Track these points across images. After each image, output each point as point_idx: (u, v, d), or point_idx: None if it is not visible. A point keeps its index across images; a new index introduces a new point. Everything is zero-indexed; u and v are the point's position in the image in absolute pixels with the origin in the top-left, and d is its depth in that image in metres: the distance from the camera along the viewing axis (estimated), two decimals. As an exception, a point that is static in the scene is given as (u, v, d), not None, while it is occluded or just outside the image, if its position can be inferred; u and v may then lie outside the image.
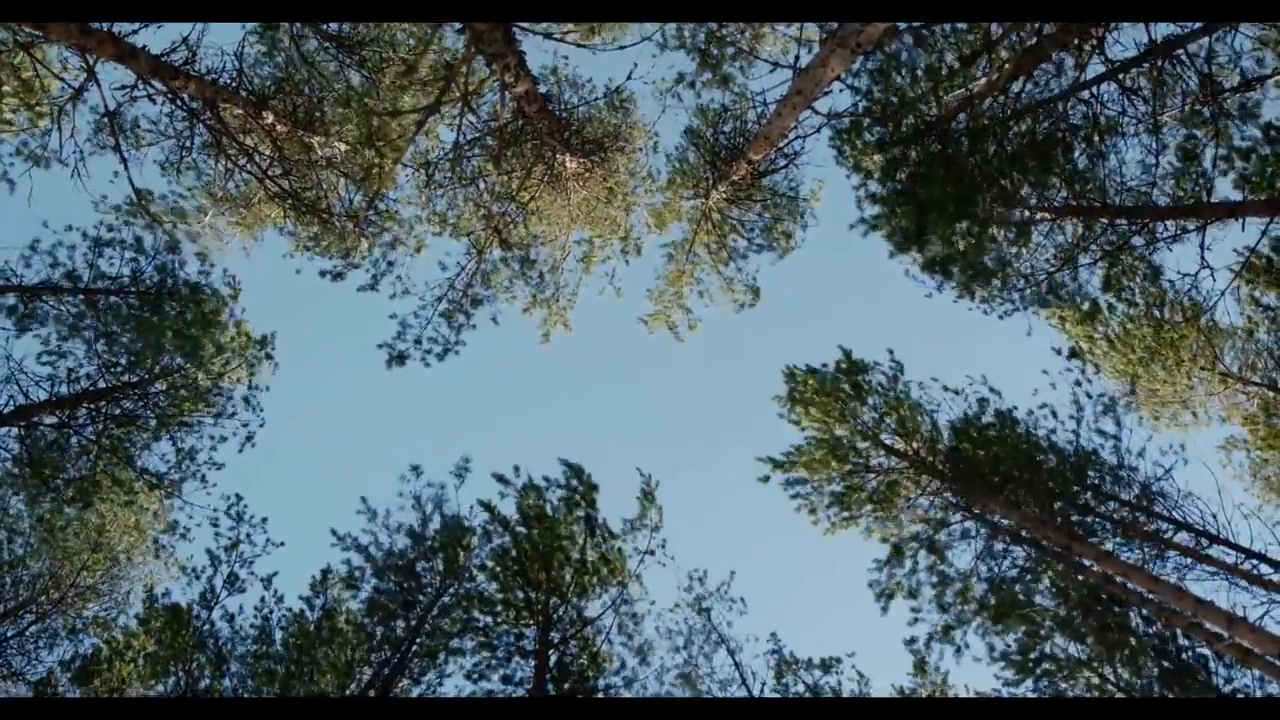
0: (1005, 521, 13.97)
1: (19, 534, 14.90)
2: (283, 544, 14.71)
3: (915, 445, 14.91)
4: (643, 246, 12.04)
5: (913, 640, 14.58)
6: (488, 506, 15.52)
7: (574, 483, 15.72)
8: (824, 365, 15.83)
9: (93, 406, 13.36)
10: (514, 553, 15.20)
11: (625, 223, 11.54)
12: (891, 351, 15.49)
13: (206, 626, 13.44)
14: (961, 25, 11.00)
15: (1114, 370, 13.54)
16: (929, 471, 14.57)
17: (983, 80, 11.56)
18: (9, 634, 14.16)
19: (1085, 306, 13.03)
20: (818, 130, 9.63)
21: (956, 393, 14.89)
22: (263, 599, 14.07)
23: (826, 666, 15.27)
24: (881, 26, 8.92)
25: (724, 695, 15.22)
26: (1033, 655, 13.77)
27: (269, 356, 15.90)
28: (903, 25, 10.78)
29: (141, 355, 13.62)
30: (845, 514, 15.46)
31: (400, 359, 12.33)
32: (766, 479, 16.24)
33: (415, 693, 14.42)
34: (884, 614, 14.98)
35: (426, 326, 12.18)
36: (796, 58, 8.96)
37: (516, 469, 15.44)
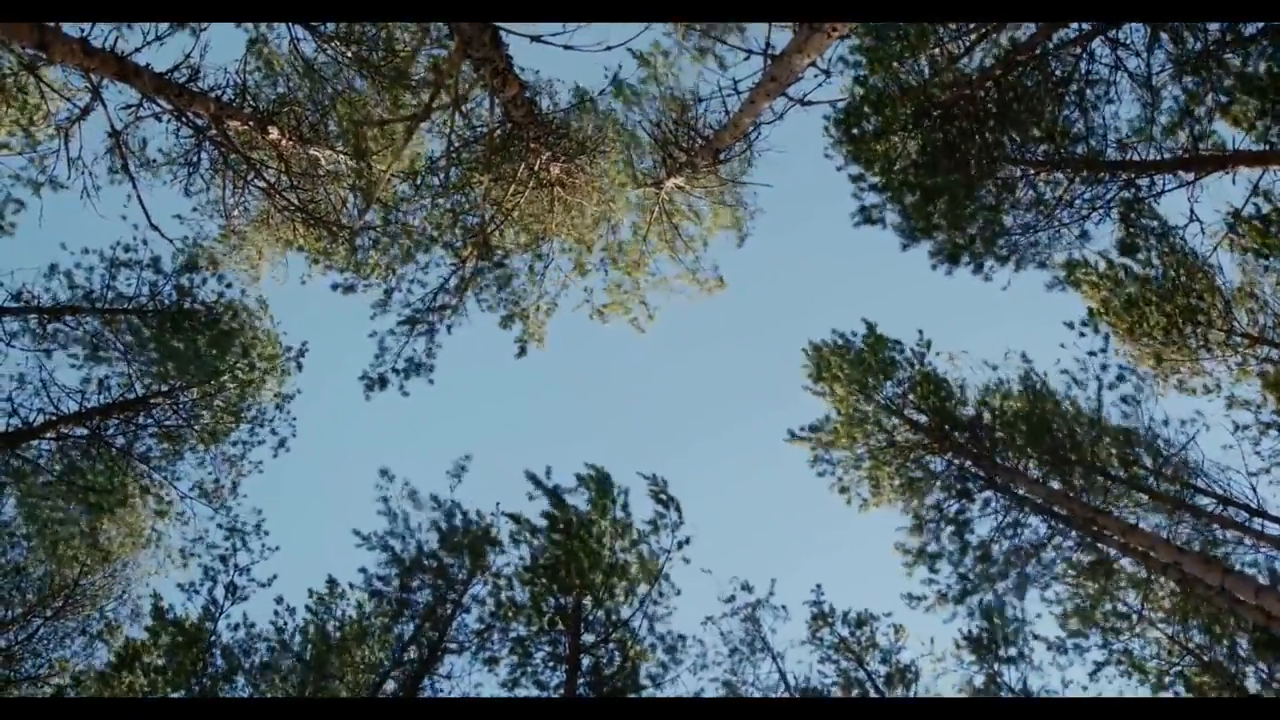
0: (1029, 496, 13.89)
1: (19, 537, 15.28)
2: (278, 548, 15.21)
3: (939, 419, 14.93)
4: (619, 247, 12.21)
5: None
6: (514, 518, 15.78)
7: (600, 486, 15.94)
8: (849, 338, 15.91)
9: (122, 417, 13.83)
10: (543, 559, 15.41)
11: (605, 228, 11.73)
12: (921, 332, 15.71)
13: (213, 638, 13.73)
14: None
15: (1129, 331, 13.33)
16: (953, 446, 14.58)
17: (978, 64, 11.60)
18: (19, 638, 14.52)
19: (1101, 266, 12.94)
20: (780, 116, 9.68)
21: (993, 367, 14.95)
22: (277, 610, 14.39)
23: (861, 622, 15.34)
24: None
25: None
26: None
27: (299, 366, 16.37)
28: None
29: (162, 372, 14.02)
30: (874, 490, 15.51)
31: (380, 383, 12.56)
32: (793, 435, 16.42)
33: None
34: (908, 576, 15.06)
35: (405, 344, 12.41)
36: (767, 43, 9.03)
37: (549, 470, 15.83)
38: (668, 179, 10.43)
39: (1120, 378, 13.57)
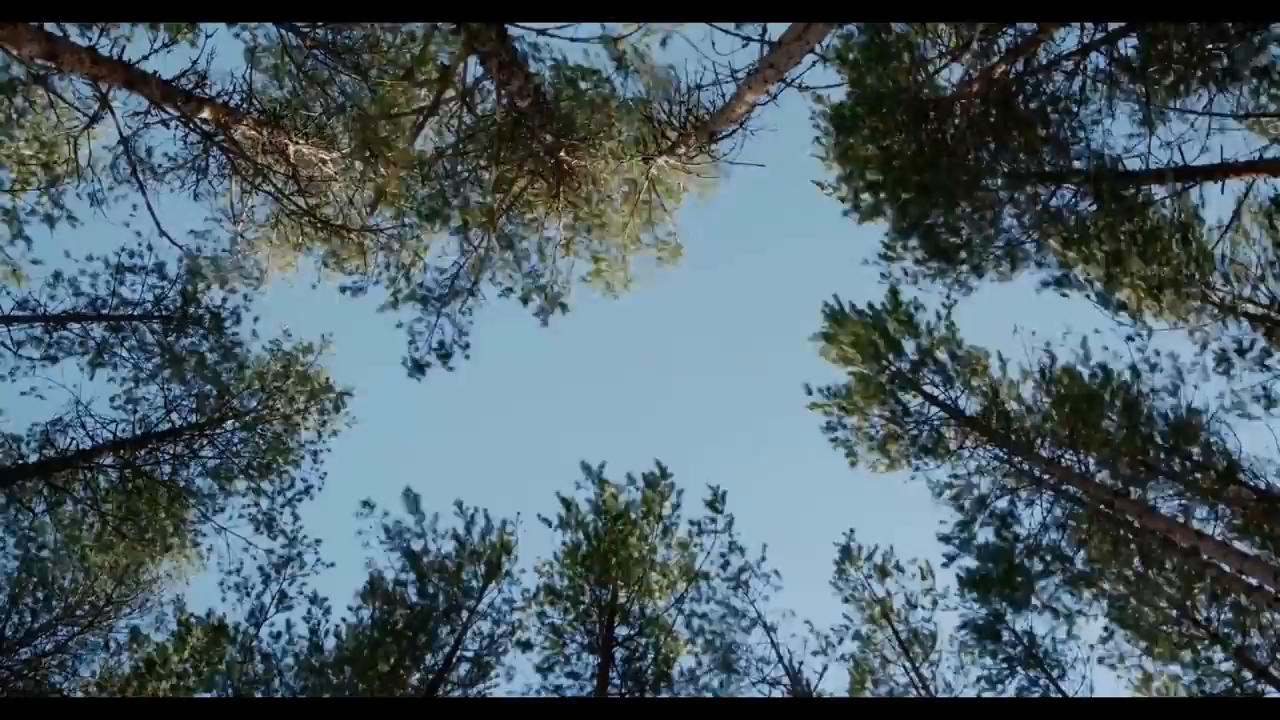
0: (1047, 476, 13.86)
1: (46, 548, 15.35)
2: (333, 565, 15.43)
3: (954, 394, 14.92)
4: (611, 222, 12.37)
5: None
6: (565, 501, 15.96)
7: (646, 481, 16.09)
8: (864, 306, 15.92)
9: (156, 448, 13.84)
10: (584, 547, 15.57)
11: (608, 208, 11.87)
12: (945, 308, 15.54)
13: (253, 643, 13.81)
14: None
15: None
16: (968, 423, 14.57)
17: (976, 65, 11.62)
18: (46, 649, 14.57)
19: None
20: (774, 98, 9.76)
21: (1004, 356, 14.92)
22: (309, 611, 14.47)
23: (885, 571, 15.44)
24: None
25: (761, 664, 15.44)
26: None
27: (338, 407, 16.44)
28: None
29: (172, 379, 14.08)
30: (886, 459, 15.52)
31: (420, 368, 12.69)
32: (813, 408, 16.40)
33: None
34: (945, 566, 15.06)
35: (434, 329, 12.55)
36: (763, 30, 9.09)
37: (602, 465, 16.04)
38: (659, 156, 10.60)
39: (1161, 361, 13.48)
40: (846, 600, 16.40)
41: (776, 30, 9.04)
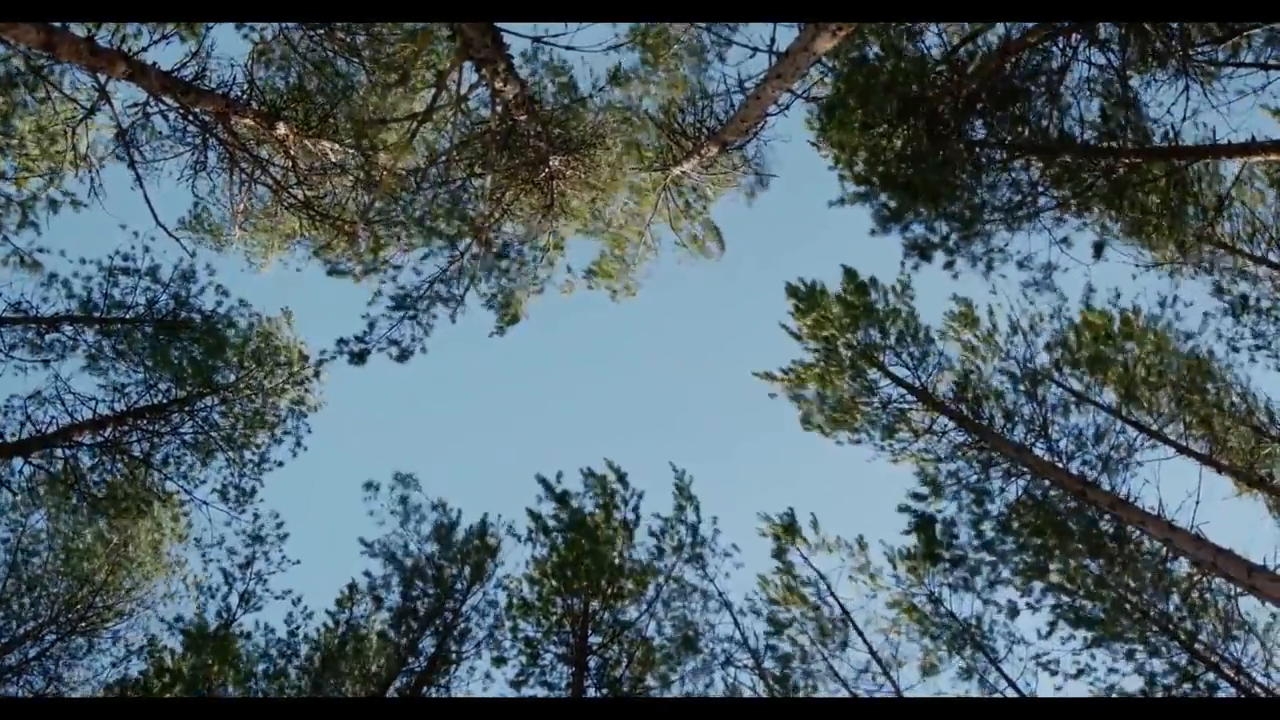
0: (1019, 466, 13.77)
1: (37, 555, 15.25)
2: (299, 562, 15.28)
3: (923, 377, 14.81)
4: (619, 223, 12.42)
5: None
6: (533, 514, 15.89)
7: (611, 486, 16.00)
8: (828, 286, 15.68)
9: (135, 424, 13.74)
10: (553, 558, 15.45)
11: (604, 215, 11.91)
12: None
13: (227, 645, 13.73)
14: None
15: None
16: (938, 408, 14.40)
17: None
18: (30, 655, 14.52)
19: None
20: (785, 109, 9.80)
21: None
22: (290, 614, 14.42)
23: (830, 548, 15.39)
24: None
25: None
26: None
27: (317, 375, 16.42)
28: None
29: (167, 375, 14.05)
30: (851, 435, 15.32)
31: (361, 357, 12.71)
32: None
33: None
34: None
35: (395, 327, 12.58)
36: (772, 40, 9.13)
37: (559, 475, 15.96)
38: (674, 166, 10.62)
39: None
40: (793, 579, 16.12)
41: (784, 41, 9.10)
